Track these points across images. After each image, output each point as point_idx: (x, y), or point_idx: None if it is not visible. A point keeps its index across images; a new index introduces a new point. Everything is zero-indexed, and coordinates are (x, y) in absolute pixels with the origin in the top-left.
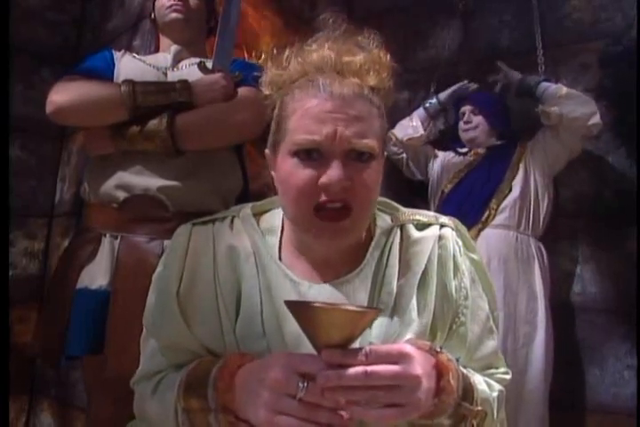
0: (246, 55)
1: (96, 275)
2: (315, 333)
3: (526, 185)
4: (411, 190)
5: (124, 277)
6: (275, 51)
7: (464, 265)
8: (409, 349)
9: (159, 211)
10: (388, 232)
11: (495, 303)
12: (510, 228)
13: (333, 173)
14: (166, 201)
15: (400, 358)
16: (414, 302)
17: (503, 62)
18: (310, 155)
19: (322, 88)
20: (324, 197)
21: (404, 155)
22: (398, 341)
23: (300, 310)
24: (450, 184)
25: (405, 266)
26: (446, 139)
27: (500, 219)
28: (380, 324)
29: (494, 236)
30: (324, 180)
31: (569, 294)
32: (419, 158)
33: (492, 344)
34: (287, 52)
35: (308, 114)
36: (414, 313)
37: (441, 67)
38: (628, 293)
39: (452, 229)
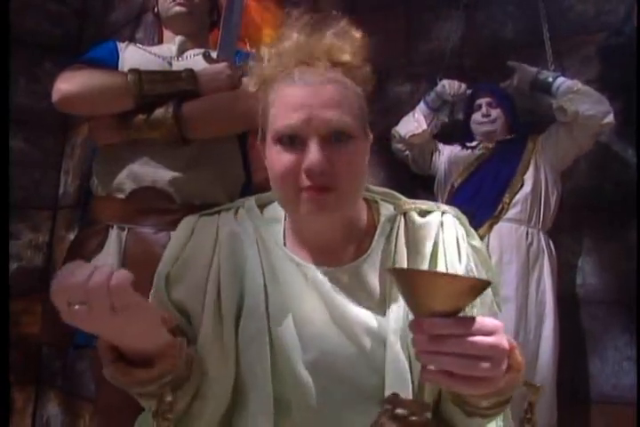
0: (248, 47)
1: None
2: (420, 301)
3: (537, 180)
4: (417, 184)
5: (131, 268)
6: (253, 50)
7: (467, 249)
8: (496, 321)
9: (165, 203)
10: (392, 220)
11: (497, 288)
12: (522, 222)
13: (312, 156)
14: (173, 193)
15: (493, 330)
16: None
17: (509, 58)
18: (293, 141)
19: (295, 77)
20: (307, 182)
21: (409, 152)
22: None
23: (407, 276)
24: (460, 178)
25: (413, 251)
26: (451, 132)
27: (512, 213)
28: (396, 308)
29: (506, 229)
30: (304, 165)
31: (570, 286)
32: (424, 155)
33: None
34: (263, 48)
35: (284, 103)
36: None
37: (444, 59)
38: (629, 284)
39: (453, 217)
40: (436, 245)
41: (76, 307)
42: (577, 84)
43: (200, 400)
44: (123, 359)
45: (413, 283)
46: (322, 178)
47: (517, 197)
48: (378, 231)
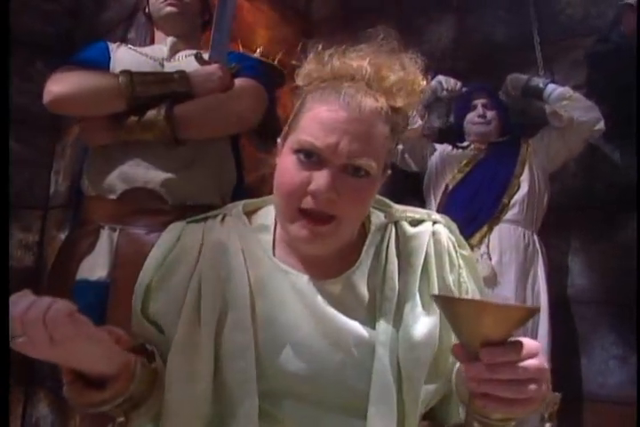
0: (241, 48)
1: (95, 267)
2: (473, 330)
3: (532, 181)
4: (408, 183)
5: (122, 268)
6: (320, 46)
7: (459, 260)
8: (537, 343)
9: (158, 203)
10: (383, 229)
11: (486, 297)
12: (519, 223)
13: (322, 181)
14: (165, 194)
15: (537, 352)
16: (418, 297)
17: (501, 61)
18: (310, 157)
19: (343, 96)
20: (309, 204)
21: (401, 146)
22: (414, 336)
23: (459, 305)
24: (455, 179)
25: (405, 261)
26: (445, 133)
27: (510, 214)
28: (385, 320)
29: (506, 230)
30: (312, 186)
31: (560, 286)
32: (415, 150)
33: None
34: (330, 51)
35: (319, 117)
36: (419, 308)
37: (435, 62)
38: (616, 284)
39: (444, 226)
40: (427, 256)
41: (19, 339)
42: (569, 91)
43: (165, 418)
44: (81, 379)
45: (463, 312)
46: (325, 204)
47: (515, 198)
48: (368, 241)
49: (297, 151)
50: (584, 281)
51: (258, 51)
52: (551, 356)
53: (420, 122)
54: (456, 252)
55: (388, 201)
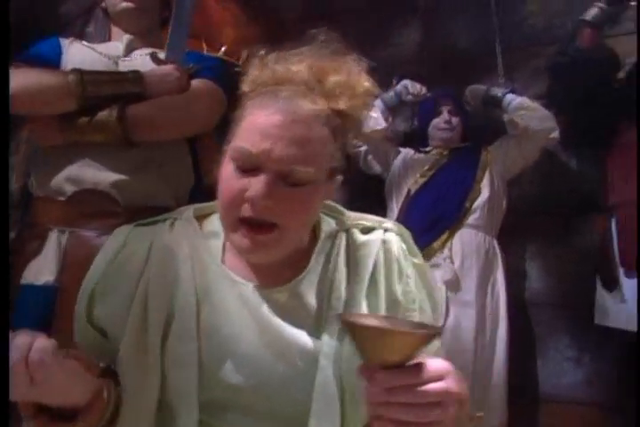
0: (205, 47)
1: (42, 271)
2: (371, 354)
3: (492, 187)
4: (371, 186)
5: (72, 272)
6: (263, 51)
7: (409, 269)
8: (445, 364)
9: (109, 205)
10: (334, 236)
11: (437, 306)
12: (479, 228)
13: (258, 188)
14: (117, 196)
15: (442, 375)
16: (364, 307)
17: (464, 67)
18: (247, 164)
19: (280, 100)
20: (248, 212)
21: (365, 147)
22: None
23: (357, 329)
24: (417, 183)
25: (353, 270)
26: (409, 137)
27: (472, 219)
28: (330, 331)
29: (467, 235)
30: (248, 193)
31: (518, 289)
32: (379, 152)
33: (435, 344)
34: (270, 56)
35: (255, 123)
36: None
37: (401, 65)
38: (571, 288)
39: (397, 234)
40: (376, 265)
41: None
42: (526, 101)
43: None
44: (45, 412)
45: (362, 336)
46: (263, 212)
47: (477, 203)
48: (317, 249)
49: (235, 159)
50: (541, 285)
51: (222, 50)
52: (509, 358)
53: (384, 124)
54: (406, 260)
55: (340, 208)
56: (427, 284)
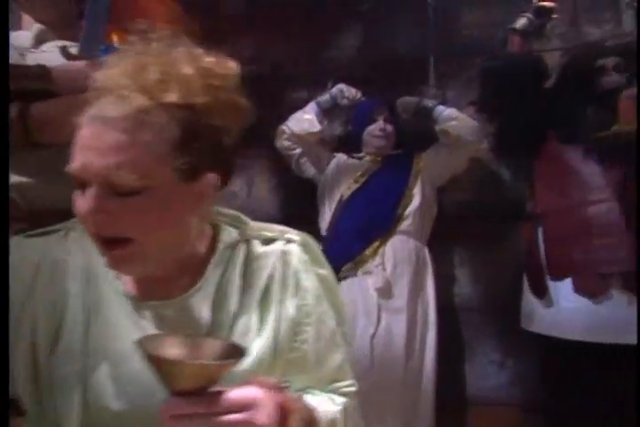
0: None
1: None
2: (164, 381)
3: (424, 194)
4: (307, 190)
5: None
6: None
7: (308, 282)
8: (254, 393)
9: (10, 209)
10: (233, 247)
11: (343, 317)
12: (411, 234)
13: (85, 205)
14: (18, 199)
15: (246, 405)
16: (254, 321)
17: (400, 73)
18: (79, 181)
19: (94, 110)
20: (91, 228)
21: (298, 150)
22: (242, 365)
23: (149, 358)
24: (350, 189)
25: (247, 283)
26: (343, 142)
27: (404, 225)
28: None
29: (399, 241)
30: (81, 211)
31: (447, 295)
32: (312, 157)
33: (337, 359)
34: (103, 61)
35: (77, 139)
36: (252, 334)
37: (341, 68)
38: (498, 293)
39: (299, 245)
40: (271, 277)
41: None
42: (455, 112)
43: None
44: None
45: (156, 365)
46: (102, 227)
47: (408, 210)
48: (213, 260)
49: (72, 177)
50: (469, 290)
51: None
52: (438, 363)
53: (318, 127)
54: (307, 273)
55: (244, 217)
56: (331, 296)
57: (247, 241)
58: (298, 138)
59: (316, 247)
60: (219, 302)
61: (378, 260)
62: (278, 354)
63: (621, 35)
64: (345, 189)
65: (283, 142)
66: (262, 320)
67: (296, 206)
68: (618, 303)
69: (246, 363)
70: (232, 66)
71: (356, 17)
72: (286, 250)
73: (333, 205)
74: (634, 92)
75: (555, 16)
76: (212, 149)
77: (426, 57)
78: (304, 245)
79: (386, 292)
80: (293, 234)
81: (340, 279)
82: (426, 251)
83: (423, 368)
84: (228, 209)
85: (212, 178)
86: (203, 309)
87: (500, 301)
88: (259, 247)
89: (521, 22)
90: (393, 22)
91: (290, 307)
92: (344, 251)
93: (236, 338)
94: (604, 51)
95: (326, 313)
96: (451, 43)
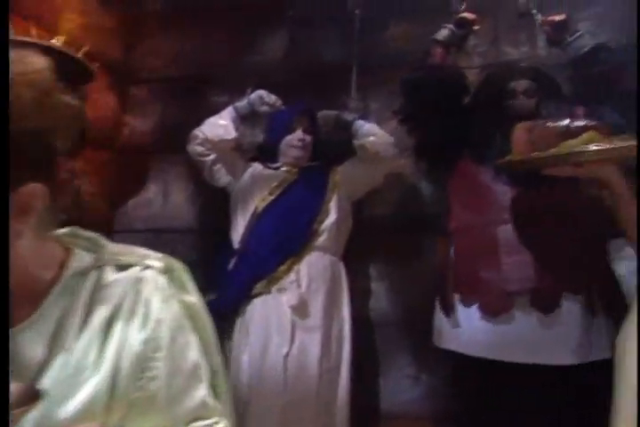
0: (36, 32)
1: None
2: None
3: (339, 209)
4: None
5: None
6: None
7: (163, 312)
8: None
9: None
10: (84, 274)
11: (212, 347)
12: (327, 250)
13: None
14: None
15: None
16: (92, 357)
17: (324, 81)
18: None
19: None
20: None
21: (212, 156)
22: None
23: None
24: (265, 200)
25: (89, 315)
26: (260, 151)
27: (320, 241)
28: (52, 386)
29: (314, 258)
30: None
31: (363, 309)
32: (226, 164)
33: (199, 395)
34: None
35: None
36: (88, 372)
37: (263, 74)
38: (414, 308)
39: (161, 272)
40: (117, 307)
41: None
42: (375, 128)
43: None
44: None
45: None
46: None
47: (324, 225)
48: (56, 290)
49: None
50: (385, 305)
51: (55, 39)
52: (353, 378)
53: (233, 134)
54: (164, 302)
55: (102, 240)
56: (198, 324)
57: (100, 267)
58: (211, 144)
59: (184, 273)
60: (57, 337)
61: (292, 276)
62: (118, 394)
63: (536, 56)
64: (259, 200)
65: (195, 148)
66: (100, 356)
67: (213, 215)
68: (524, 322)
69: (74, 405)
70: (35, 61)
71: (282, 23)
72: (141, 277)
73: (247, 217)
74: (529, 125)
75: (476, 27)
76: (31, 154)
77: (350, 67)
78: (168, 272)
79: (301, 310)
80: (155, 259)
81: (253, 296)
82: (341, 266)
83: (338, 384)
84: (91, 233)
85: (33, 188)
86: (34, 345)
87: (415, 315)
88: (111, 274)
89: (443, 33)
90: (319, 30)
91: (134, 341)
92: (257, 266)
93: (69, 378)
94: (517, 71)
95: (188, 345)
96: (376, 53)
